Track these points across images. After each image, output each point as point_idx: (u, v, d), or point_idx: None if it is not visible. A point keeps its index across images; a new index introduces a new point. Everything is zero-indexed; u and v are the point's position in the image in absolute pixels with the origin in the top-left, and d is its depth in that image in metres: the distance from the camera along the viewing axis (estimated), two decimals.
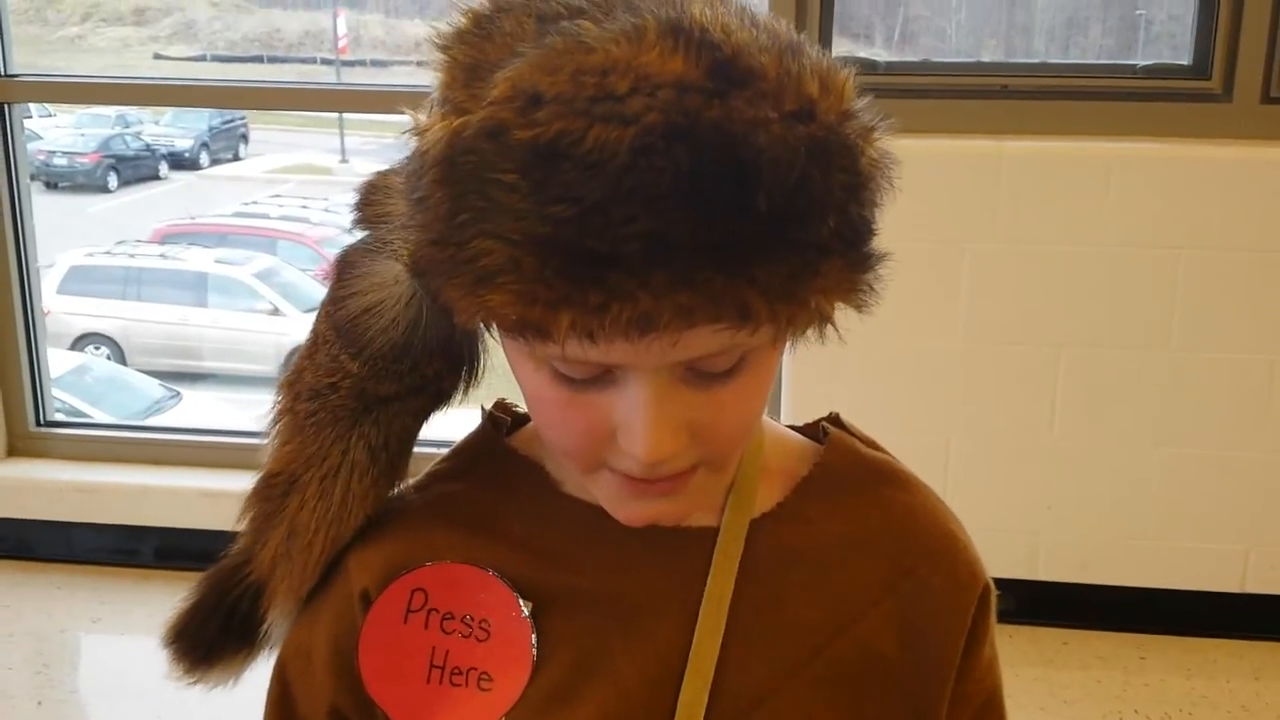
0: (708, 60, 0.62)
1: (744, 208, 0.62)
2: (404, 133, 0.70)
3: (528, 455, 0.86)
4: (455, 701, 0.80)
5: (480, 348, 0.84)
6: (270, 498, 0.85)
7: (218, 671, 0.89)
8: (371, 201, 0.82)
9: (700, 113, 0.61)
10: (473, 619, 0.81)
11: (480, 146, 0.63)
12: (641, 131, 0.60)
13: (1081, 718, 2.52)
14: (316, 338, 0.84)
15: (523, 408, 0.89)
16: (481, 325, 0.71)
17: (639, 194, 0.60)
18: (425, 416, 0.86)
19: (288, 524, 0.84)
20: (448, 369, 0.83)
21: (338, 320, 0.82)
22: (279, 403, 0.86)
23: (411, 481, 0.88)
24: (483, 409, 0.90)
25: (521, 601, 0.80)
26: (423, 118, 0.69)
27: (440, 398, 0.85)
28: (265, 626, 0.87)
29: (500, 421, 0.90)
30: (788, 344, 0.71)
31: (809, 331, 0.69)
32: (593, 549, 0.82)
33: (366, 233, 0.83)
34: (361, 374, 0.81)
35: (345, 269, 0.82)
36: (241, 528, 0.87)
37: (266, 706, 0.88)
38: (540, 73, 0.62)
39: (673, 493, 0.74)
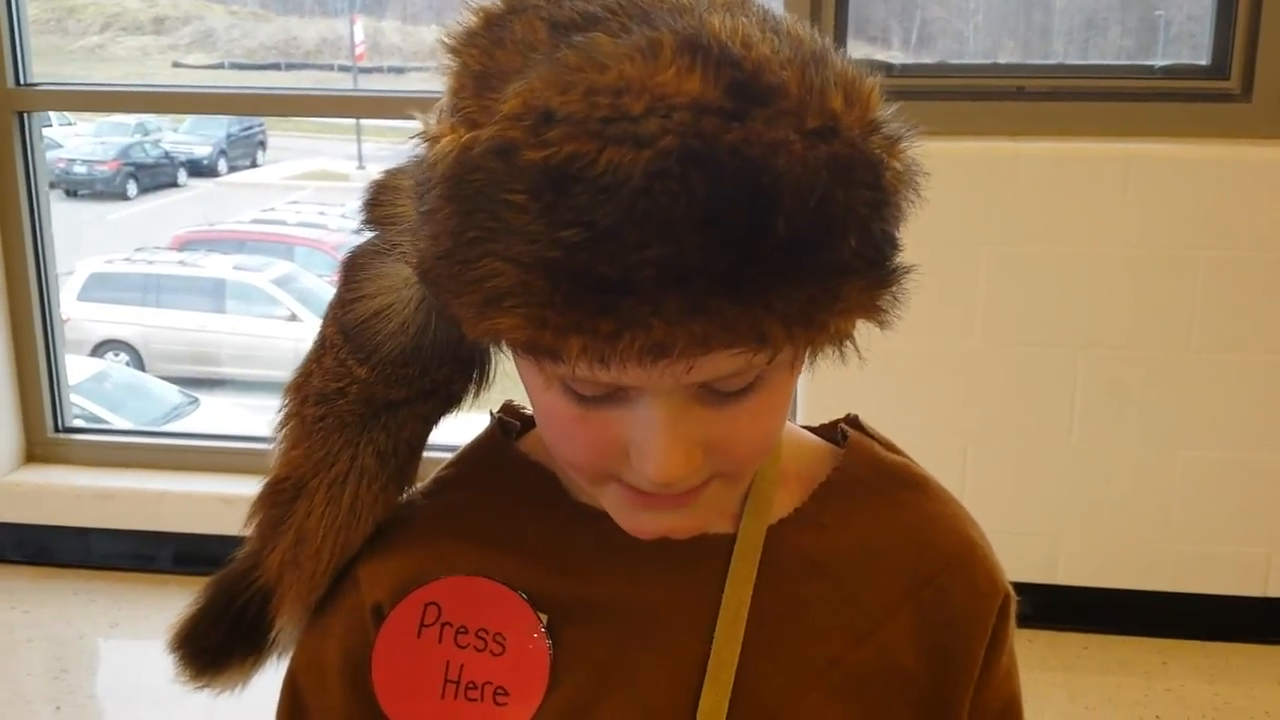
0: (726, 78, 0.60)
1: (761, 234, 0.60)
2: (413, 137, 0.69)
3: (539, 461, 0.85)
4: (471, 717, 0.79)
5: (491, 352, 0.83)
6: (278, 503, 0.84)
7: (225, 677, 0.88)
8: (380, 201, 0.81)
9: (718, 136, 0.59)
10: (487, 632, 0.80)
11: (490, 165, 0.61)
12: (656, 155, 0.59)
13: None
14: (324, 341, 0.83)
15: (531, 409, 0.88)
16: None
17: (652, 219, 0.59)
18: (435, 421, 0.85)
19: (295, 530, 0.83)
20: (458, 373, 0.82)
21: (346, 324, 0.81)
22: (286, 406, 0.85)
23: (419, 486, 0.86)
24: (491, 413, 0.89)
25: (537, 614, 0.80)
26: (433, 123, 0.67)
27: (450, 402, 0.84)
28: (274, 633, 0.86)
29: (509, 426, 0.88)
30: (806, 363, 0.70)
31: (829, 351, 0.67)
32: (608, 558, 0.80)
33: (375, 234, 0.81)
34: (370, 379, 0.80)
35: (354, 271, 0.81)
36: (249, 532, 0.86)
37: (277, 718, 0.88)
38: (552, 90, 0.61)
39: (685, 505, 0.73)
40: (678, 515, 0.73)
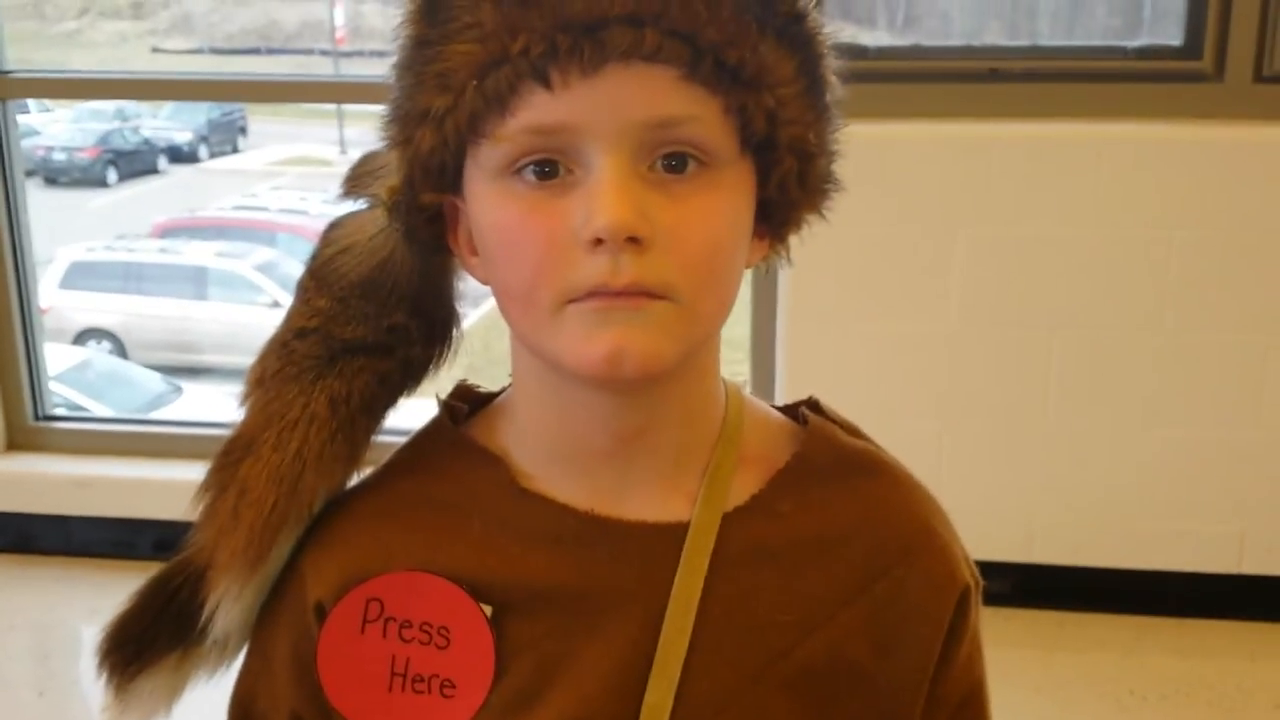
0: None
1: None
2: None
3: (486, 447, 0.83)
4: (419, 709, 0.79)
5: (454, 317, 0.84)
6: (225, 466, 0.82)
7: (149, 678, 0.84)
8: (360, 174, 0.84)
9: None
10: (431, 626, 0.79)
11: None
12: None
13: (1077, 700, 2.52)
14: (296, 291, 0.85)
15: (484, 388, 0.88)
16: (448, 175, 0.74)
17: None
18: (393, 390, 0.84)
19: (238, 486, 0.81)
20: (417, 331, 0.83)
21: (315, 268, 0.83)
22: (248, 377, 0.84)
23: (368, 473, 0.85)
24: (438, 398, 0.88)
25: (481, 606, 0.79)
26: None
27: (409, 371, 0.84)
28: (207, 614, 0.82)
29: (457, 411, 0.87)
30: (751, 168, 0.74)
31: (763, 142, 0.72)
32: (555, 547, 0.79)
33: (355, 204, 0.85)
34: (330, 310, 0.82)
35: (330, 229, 0.85)
36: (194, 516, 0.83)
37: (230, 703, 0.87)
38: None
39: (638, 308, 0.70)
40: (630, 326, 0.70)
